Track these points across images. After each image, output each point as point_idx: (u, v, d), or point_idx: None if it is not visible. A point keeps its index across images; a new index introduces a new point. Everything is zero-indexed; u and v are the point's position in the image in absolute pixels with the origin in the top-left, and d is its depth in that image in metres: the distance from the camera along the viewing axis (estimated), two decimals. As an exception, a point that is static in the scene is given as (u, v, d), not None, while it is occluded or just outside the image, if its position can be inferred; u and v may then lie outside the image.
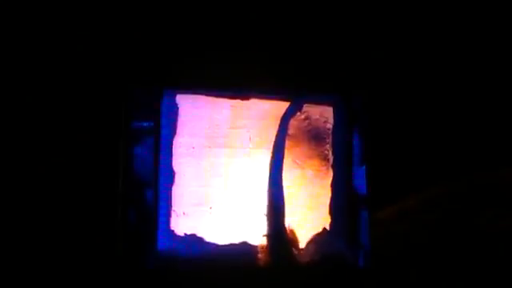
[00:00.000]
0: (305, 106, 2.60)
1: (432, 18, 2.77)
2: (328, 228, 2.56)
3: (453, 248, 2.69)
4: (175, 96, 2.49)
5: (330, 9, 2.64)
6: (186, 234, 2.45)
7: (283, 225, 2.47)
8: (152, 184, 2.41)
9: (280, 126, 2.52)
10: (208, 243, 2.45)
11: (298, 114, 2.60)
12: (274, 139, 2.56)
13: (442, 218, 2.80)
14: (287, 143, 2.58)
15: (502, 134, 2.90)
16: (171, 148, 2.47)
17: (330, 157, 2.61)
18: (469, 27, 2.80)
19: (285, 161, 2.56)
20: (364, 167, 2.58)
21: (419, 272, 2.62)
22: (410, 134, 2.79)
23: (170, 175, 2.46)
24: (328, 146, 2.62)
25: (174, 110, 2.48)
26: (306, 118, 2.62)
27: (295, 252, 2.51)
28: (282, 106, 2.59)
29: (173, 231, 2.44)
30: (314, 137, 2.61)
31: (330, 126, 2.63)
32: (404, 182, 2.77)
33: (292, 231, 2.50)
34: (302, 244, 2.54)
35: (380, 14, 2.70)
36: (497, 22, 2.81)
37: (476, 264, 2.60)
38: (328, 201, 2.58)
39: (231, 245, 2.46)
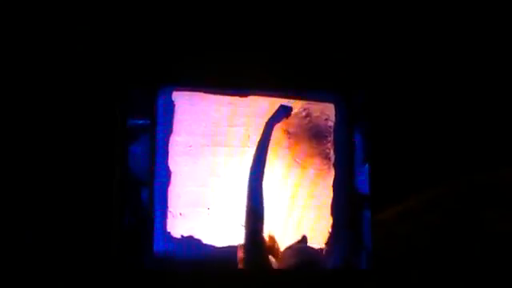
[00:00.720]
0: (306, 103, 2.57)
1: (434, 17, 2.75)
2: (330, 229, 2.53)
3: (456, 249, 2.66)
4: (171, 93, 2.44)
5: (330, 5, 2.61)
6: (182, 236, 2.40)
7: (261, 233, 2.40)
8: (147, 184, 2.37)
9: (264, 130, 2.48)
10: (206, 245, 2.40)
11: (298, 112, 2.57)
12: (273, 139, 2.51)
13: (444, 218, 2.79)
14: (287, 141, 2.55)
15: (504, 134, 2.87)
16: (167, 146, 2.42)
17: (332, 155, 2.58)
18: (470, 26, 2.78)
19: (285, 160, 2.54)
20: (367, 166, 2.55)
21: (421, 273, 2.60)
22: (413, 133, 2.75)
23: (166, 175, 2.41)
24: (329, 145, 2.58)
25: (170, 108, 2.44)
26: (307, 116, 2.58)
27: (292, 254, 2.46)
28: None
29: (169, 233, 2.39)
30: (314, 135, 2.58)
31: (331, 123, 2.59)
32: (406, 181, 2.73)
33: (272, 238, 2.46)
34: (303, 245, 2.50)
35: (382, 11, 2.67)
36: (497, 21, 2.80)
37: (479, 265, 2.59)
38: (330, 201, 2.54)
39: (230, 247, 2.41)
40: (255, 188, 2.40)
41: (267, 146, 2.45)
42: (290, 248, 2.46)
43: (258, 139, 2.46)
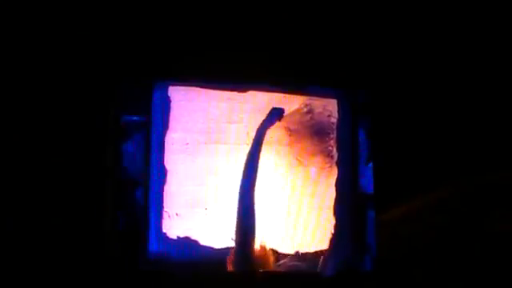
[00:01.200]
0: (307, 98, 2.53)
1: (441, 13, 2.71)
2: (333, 230, 2.48)
3: (462, 250, 2.63)
4: (167, 88, 2.40)
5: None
6: (178, 237, 2.36)
7: (251, 246, 2.38)
8: (142, 183, 2.33)
9: (255, 137, 2.45)
10: (203, 247, 2.37)
11: (299, 108, 2.53)
12: (273, 136, 2.49)
13: (450, 219, 2.76)
14: (288, 139, 2.50)
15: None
16: (163, 144, 2.38)
17: (335, 153, 2.53)
18: (473, 26, 2.74)
19: (286, 158, 2.49)
20: (371, 165, 2.51)
21: (427, 275, 2.58)
22: (418, 131, 2.71)
23: (162, 174, 2.37)
24: (332, 142, 2.54)
25: (166, 104, 2.39)
26: (309, 112, 2.53)
27: (296, 256, 2.47)
28: (282, 99, 2.51)
29: (165, 234, 2.35)
30: (317, 132, 2.53)
31: (334, 120, 2.55)
32: (411, 181, 2.68)
33: (264, 248, 2.42)
34: (305, 247, 2.48)
35: (387, 6, 2.63)
36: (500, 21, 2.76)
37: (486, 267, 2.56)
38: (332, 201, 2.50)
39: (228, 248, 2.38)
40: (246, 199, 2.37)
41: (259, 153, 2.42)
42: (280, 266, 2.42)
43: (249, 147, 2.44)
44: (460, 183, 2.78)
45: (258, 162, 2.40)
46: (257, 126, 2.46)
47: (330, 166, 2.53)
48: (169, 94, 2.40)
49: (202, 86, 2.44)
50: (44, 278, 2.26)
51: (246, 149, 2.45)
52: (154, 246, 2.33)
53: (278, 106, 2.50)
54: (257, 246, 2.39)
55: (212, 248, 2.37)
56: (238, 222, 2.36)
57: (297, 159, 2.51)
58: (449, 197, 2.78)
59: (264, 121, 2.46)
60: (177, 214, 2.38)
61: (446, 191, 2.79)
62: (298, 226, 2.48)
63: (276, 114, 2.47)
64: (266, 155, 2.46)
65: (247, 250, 2.36)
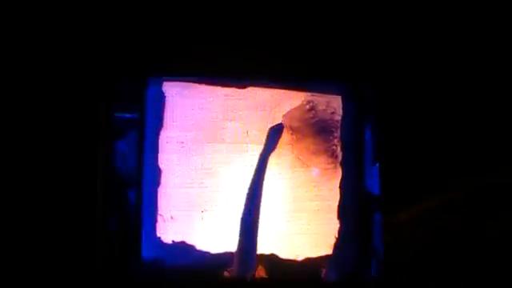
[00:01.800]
0: (310, 94, 2.48)
1: (452, 4, 2.64)
2: (337, 234, 2.44)
3: (472, 254, 2.55)
4: (162, 84, 2.39)
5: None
6: (174, 242, 2.34)
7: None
8: (135, 184, 2.34)
9: (258, 164, 2.41)
10: (200, 252, 2.34)
11: (301, 105, 2.48)
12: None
13: (461, 222, 2.67)
14: (290, 137, 2.46)
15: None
16: (157, 143, 2.38)
17: (339, 153, 2.48)
18: (483, 23, 2.65)
19: (287, 158, 2.45)
20: (377, 165, 2.45)
21: (435, 280, 2.50)
22: (427, 130, 2.61)
23: (156, 174, 2.36)
24: (336, 141, 2.48)
25: (160, 100, 2.38)
26: (311, 109, 2.48)
27: (298, 261, 2.41)
28: (282, 96, 2.47)
29: (159, 238, 2.34)
30: (320, 130, 2.48)
31: (338, 117, 2.49)
32: (419, 182, 2.60)
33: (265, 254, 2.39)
34: (308, 252, 2.42)
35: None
36: (508, 15, 2.67)
37: (494, 270, 2.48)
38: (336, 203, 2.45)
39: (226, 253, 2.35)
40: (248, 229, 2.34)
41: (263, 180, 2.38)
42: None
43: (252, 175, 2.40)
44: (470, 184, 2.70)
45: (262, 189, 2.38)
46: (257, 124, 2.43)
47: (334, 167, 2.48)
48: (163, 90, 2.38)
49: (198, 82, 2.42)
50: (31, 283, 2.23)
51: (246, 148, 2.43)
52: (147, 251, 2.32)
53: (279, 103, 2.46)
54: (258, 251, 2.36)
55: (209, 253, 2.34)
56: (240, 231, 2.34)
57: (299, 159, 2.47)
58: (461, 198, 2.71)
59: (265, 145, 2.42)
60: (172, 217, 2.36)
61: (457, 192, 2.71)
62: (300, 230, 2.44)
63: (276, 132, 2.43)
64: (265, 154, 2.46)
65: (248, 257, 2.34)
